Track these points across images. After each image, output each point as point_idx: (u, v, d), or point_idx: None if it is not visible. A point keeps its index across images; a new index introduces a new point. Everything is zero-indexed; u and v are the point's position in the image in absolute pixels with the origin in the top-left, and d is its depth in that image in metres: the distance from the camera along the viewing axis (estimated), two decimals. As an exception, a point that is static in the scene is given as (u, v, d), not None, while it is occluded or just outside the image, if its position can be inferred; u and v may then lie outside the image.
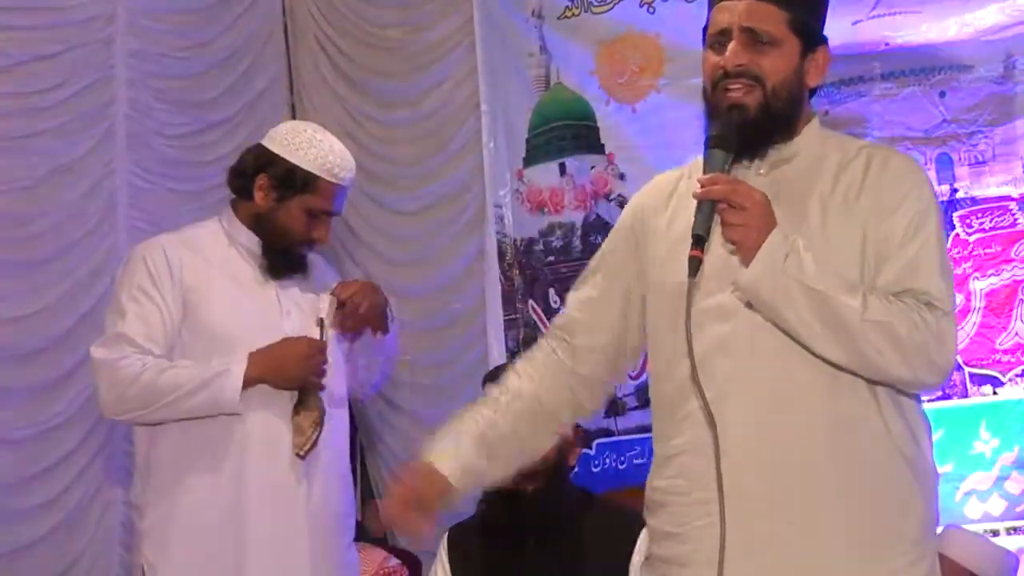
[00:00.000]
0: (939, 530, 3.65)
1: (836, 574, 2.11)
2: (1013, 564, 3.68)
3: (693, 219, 2.10)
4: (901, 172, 2.21)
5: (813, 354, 2.09)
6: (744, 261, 2.07)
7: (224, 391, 2.98)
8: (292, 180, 3.09)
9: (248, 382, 3.00)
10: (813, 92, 2.29)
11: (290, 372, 3.02)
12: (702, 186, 2.09)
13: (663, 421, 2.25)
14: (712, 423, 2.08)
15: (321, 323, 3.14)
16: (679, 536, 2.17)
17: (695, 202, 2.11)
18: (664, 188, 2.34)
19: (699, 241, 2.08)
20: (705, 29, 2.24)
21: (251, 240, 3.16)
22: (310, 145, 3.10)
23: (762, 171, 2.22)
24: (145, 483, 3.09)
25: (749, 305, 2.12)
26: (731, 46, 2.18)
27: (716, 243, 2.12)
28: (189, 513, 3.02)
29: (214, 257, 3.15)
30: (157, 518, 3.04)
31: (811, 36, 2.23)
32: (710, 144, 2.16)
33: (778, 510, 2.10)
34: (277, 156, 3.11)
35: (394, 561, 3.84)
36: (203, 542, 3.00)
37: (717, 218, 2.09)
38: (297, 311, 3.15)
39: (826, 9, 2.30)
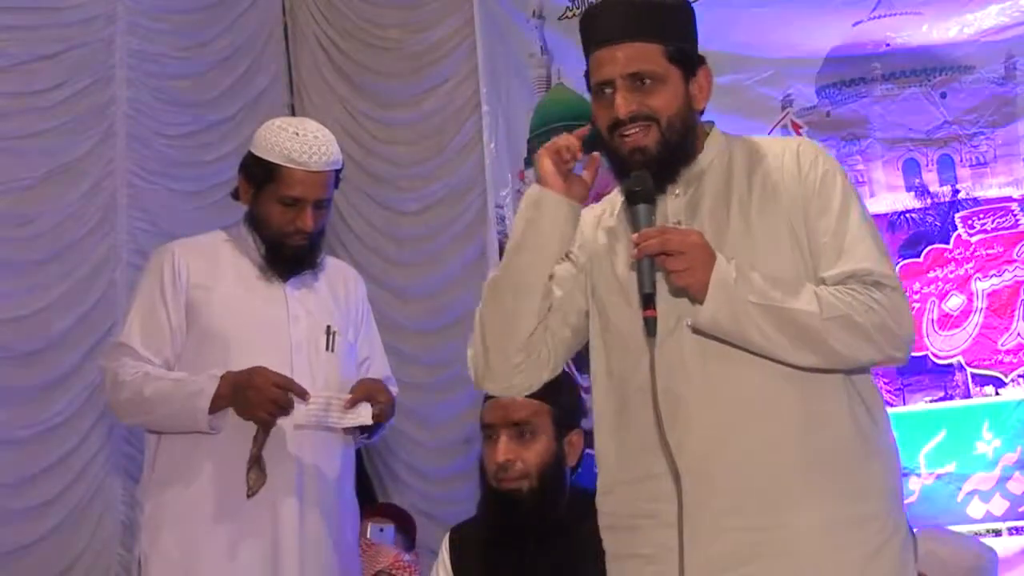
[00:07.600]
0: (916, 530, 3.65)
1: (813, 564, 2.12)
2: (986, 564, 3.62)
3: (637, 278, 2.15)
4: (812, 160, 2.25)
5: (788, 365, 2.13)
6: (697, 299, 2.11)
7: (196, 412, 2.99)
8: (257, 173, 3.12)
9: (216, 405, 2.99)
10: (702, 110, 2.32)
11: (245, 406, 3.00)
12: (635, 246, 2.12)
13: (626, 449, 2.32)
14: (676, 474, 2.14)
15: (329, 330, 3.15)
16: (650, 557, 2.22)
17: (629, 239, 2.17)
18: (591, 224, 2.37)
19: (649, 300, 2.12)
20: (587, 74, 2.27)
21: (254, 241, 3.19)
22: (272, 135, 3.12)
23: (678, 192, 2.27)
24: (149, 479, 3.13)
25: (701, 333, 2.15)
26: (619, 95, 2.22)
27: (660, 286, 2.17)
28: (183, 508, 3.04)
29: (222, 260, 3.18)
30: (153, 511, 3.07)
31: (689, 62, 2.27)
32: (630, 201, 2.20)
33: (748, 517, 2.14)
34: (250, 154, 3.16)
35: (408, 556, 3.86)
36: (193, 536, 3.02)
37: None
38: (307, 317, 3.16)
39: (696, 31, 2.33)
